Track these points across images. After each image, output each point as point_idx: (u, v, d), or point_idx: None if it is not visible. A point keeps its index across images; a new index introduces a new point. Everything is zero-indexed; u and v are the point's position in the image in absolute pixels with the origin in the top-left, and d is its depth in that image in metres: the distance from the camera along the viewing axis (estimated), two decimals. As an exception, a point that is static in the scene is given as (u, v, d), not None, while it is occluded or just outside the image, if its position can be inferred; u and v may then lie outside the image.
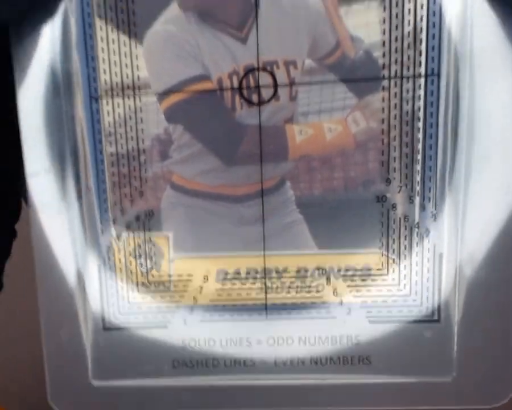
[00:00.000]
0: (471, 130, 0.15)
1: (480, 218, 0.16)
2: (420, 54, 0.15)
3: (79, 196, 0.17)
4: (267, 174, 0.16)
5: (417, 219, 0.16)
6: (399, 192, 0.16)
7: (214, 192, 0.17)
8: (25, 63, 0.16)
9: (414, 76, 0.15)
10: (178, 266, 0.17)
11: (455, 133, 0.15)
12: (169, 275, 0.17)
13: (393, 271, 0.16)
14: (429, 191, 0.16)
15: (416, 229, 0.16)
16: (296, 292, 0.17)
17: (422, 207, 0.16)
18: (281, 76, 0.16)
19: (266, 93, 0.16)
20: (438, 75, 0.15)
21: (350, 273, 0.17)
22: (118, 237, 0.17)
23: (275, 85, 0.16)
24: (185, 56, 0.16)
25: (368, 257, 0.17)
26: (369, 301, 0.17)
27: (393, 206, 0.16)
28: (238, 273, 0.17)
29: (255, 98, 0.16)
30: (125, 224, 0.17)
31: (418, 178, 0.16)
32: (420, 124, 0.15)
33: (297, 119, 0.16)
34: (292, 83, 0.16)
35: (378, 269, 0.17)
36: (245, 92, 0.16)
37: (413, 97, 0.15)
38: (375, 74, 0.15)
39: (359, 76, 0.15)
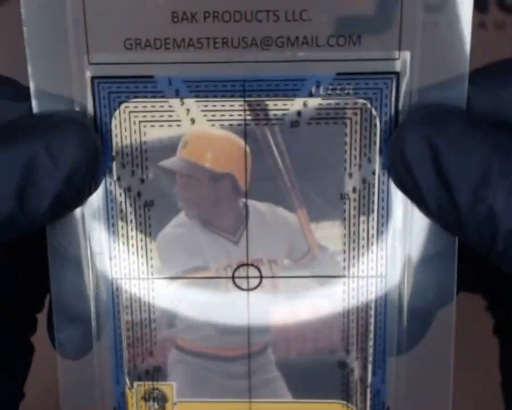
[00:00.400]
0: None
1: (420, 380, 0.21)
2: (372, 260, 0.20)
3: (99, 352, 0.21)
4: (252, 341, 0.21)
5: (369, 381, 0.21)
6: (356, 360, 0.21)
7: (210, 353, 0.21)
8: (59, 251, 0.20)
9: (367, 276, 0.20)
10: (180, 408, 0.22)
11: (401, 317, 0.20)
12: (172, 415, 0.22)
13: (352, 418, 0.21)
14: (379, 361, 0.20)
15: (369, 389, 0.21)
16: (275, 431, 0.21)
17: (374, 373, 0.21)
18: (265, 269, 0.20)
19: (253, 282, 0.20)
20: (385, 277, 0.20)
21: (317, 417, 0.21)
22: (131, 385, 0.21)
23: (261, 277, 0.20)
24: (190, 251, 0.20)
25: (333, 406, 0.21)
26: (332, 438, 0.21)
27: (351, 371, 0.21)
28: (228, 414, 0.22)
29: (244, 285, 0.20)
30: (137, 376, 0.21)
31: (371, 351, 0.20)
32: (372, 312, 0.20)
33: (278, 302, 0.20)
34: (274, 276, 0.20)
35: (340, 415, 0.21)
36: (237, 281, 0.20)
37: (367, 291, 0.20)
38: (338, 273, 0.20)
39: (325, 273, 0.20)
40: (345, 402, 0.21)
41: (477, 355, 0.31)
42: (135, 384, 0.21)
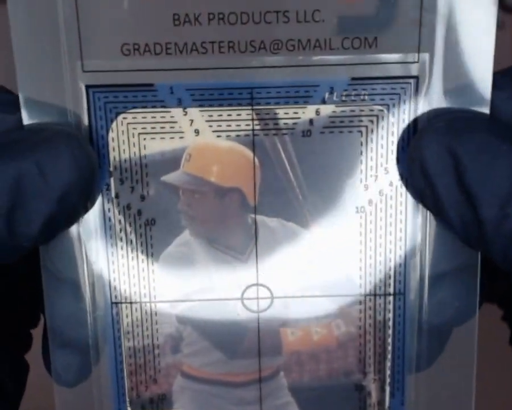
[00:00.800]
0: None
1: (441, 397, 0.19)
2: (389, 277, 0.19)
3: (98, 380, 0.20)
4: (263, 365, 0.20)
5: (387, 404, 0.19)
6: (373, 382, 0.19)
7: (218, 379, 0.20)
8: (53, 273, 0.19)
9: (385, 294, 0.19)
10: (186, 437, 0.20)
11: (420, 334, 0.19)
12: (178, 444, 0.20)
13: (370, 442, 0.20)
14: (398, 382, 0.19)
15: (388, 412, 0.19)
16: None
17: (392, 395, 0.19)
18: (277, 289, 0.19)
19: (264, 303, 0.19)
20: (404, 294, 0.19)
21: (332, 441, 0.20)
22: (134, 415, 0.20)
23: (272, 297, 0.19)
24: (196, 272, 0.19)
25: (349, 431, 0.20)
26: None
27: (369, 394, 0.19)
28: (237, 442, 0.20)
29: (254, 306, 0.19)
30: (140, 405, 0.20)
31: (388, 372, 0.19)
32: (390, 331, 0.19)
33: (290, 323, 0.19)
34: (285, 296, 0.19)
35: (357, 440, 0.20)
36: (246, 302, 0.19)
37: (384, 309, 0.19)
38: (354, 291, 0.19)
39: (340, 292, 0.19)
40: (362, 426, 0.20)
41: (495, 366, 0.30)
42: (138, 413, 0.20)
